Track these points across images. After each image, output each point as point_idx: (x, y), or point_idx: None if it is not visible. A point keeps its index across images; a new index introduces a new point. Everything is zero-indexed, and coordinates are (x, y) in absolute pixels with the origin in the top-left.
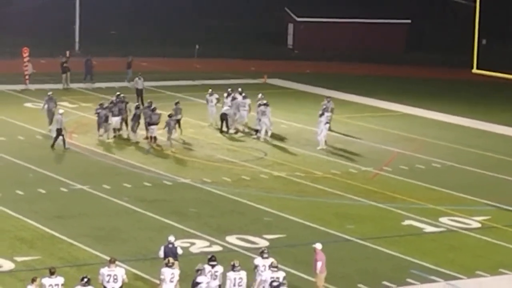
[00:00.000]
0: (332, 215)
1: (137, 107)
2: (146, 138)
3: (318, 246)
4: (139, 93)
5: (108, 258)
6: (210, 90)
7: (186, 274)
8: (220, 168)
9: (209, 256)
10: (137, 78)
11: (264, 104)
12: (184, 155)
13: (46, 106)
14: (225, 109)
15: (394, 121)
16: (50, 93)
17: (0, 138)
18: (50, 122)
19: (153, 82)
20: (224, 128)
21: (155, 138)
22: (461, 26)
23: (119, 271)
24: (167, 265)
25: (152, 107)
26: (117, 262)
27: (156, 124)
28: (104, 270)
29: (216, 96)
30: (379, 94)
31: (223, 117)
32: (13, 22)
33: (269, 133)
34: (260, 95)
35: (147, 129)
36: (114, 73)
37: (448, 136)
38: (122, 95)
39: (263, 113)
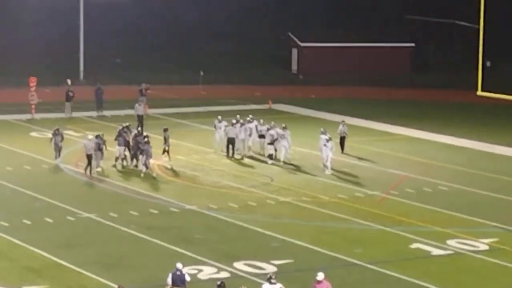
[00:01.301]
0: (339, 239)
1: (136, 135)
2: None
3: (320, 276)
4: (140, 119)
5: (116, 286)
6: (219, 116)
7: None
8: (226, 194)
9: (218, 283)
10: (137, 105)
11: (283, 128)
12: (190, 182)
13: (53, 140)
14: (231, 134)
15: (400, 145)
16: (57, 127)
17: (6, 168)
18: (57, 156)
19: (158, 109)
20: (231, 152)
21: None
22: (466, 48)
23: None
24: None
25: (144, 134)
26: None
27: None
28: None
29: (225, 123)
30: (384, 118)
31: (231, 142)
32: (16, 52)
33: (289, 156)
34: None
35: (137, 158)
36: (120, 101)
37: (454, 158)
38: (127, 124)
39: (282, 136)
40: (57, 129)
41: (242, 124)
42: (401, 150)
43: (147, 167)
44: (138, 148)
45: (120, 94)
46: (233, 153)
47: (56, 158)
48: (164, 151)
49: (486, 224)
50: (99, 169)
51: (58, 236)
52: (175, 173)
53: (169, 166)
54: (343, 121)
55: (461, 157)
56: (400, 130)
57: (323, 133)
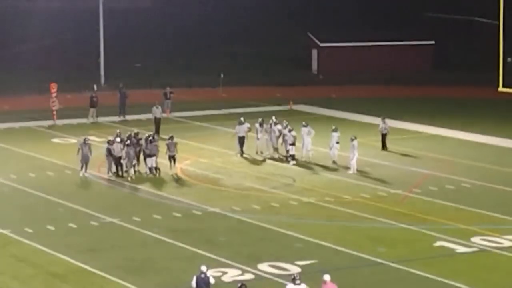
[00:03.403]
0: (363, 239)
1: (151, 139)
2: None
3: (326, 277)
4: (157, 122)
5: None
6: (241, 118)
7: None
8: (249, 196)
9: (238, 285)
10: (154, 107)
11: (306, 126)
12: (213, 184)
13: (81, 151)
14: (241, 133)
15: (422, 143)
16: (85, 137)
17: (29, 174)
18: (84, 167)
19: (179, 113)
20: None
21: (156, 168)
22: (486, 45)
23: None
24: None
25: (150, 138)
26: None
27: (154, 155)
28: None
29: (247, 125)
30: (406, 116)
31: (241, 141)
32: (37, 58)
33: (311, 153)
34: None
35: (145, 161)
36: (141, 105)
37: (477, 155)
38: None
39: (309, 132)
40: (86, 139)
41: (271, 126)
42: (423, 148)
43: (153, 170)
44: (148, 153)
45: (141, 98)
46: (242, 152)
47: (82, 169)
48: (169, 158)
49: (510, 221)
50: (132, 173)
51: (82, 241)
52: (197, 176)
53: (170, 173)
54: (384, 117)
55: (483, 154)
56: (422, 128)
57: (334, 130)
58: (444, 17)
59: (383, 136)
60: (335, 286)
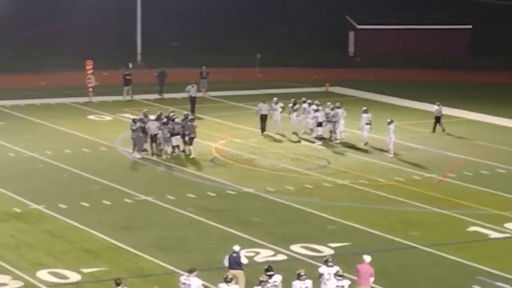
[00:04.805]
0: (396, 222)
1: (186, 118)
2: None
3: (367, 258)
4: (193, 101)
5: (173, 268)
6: (275, 98)
7: (252, 283)
8: (283, 177)
9: (265, 267)
10: (190, 86)
11: (340, 107)
12: (247, 165)
13: (139, 127)
14: (264, 111)
15: (458, 127)
16: (145, 110)
17: (65, 151)
18: (140, 148)
19: (214, 92)
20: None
21: (178, 147)
22: None
23: (194, 282)
24: (225, 280)
25: (186, 117)
26: (195, 273)
27: (178, 134)
28: (182, 278)
29: (281, 104)
30: (442, 100)
31: (263, 118)
32: (74, 35)
33: (343, 135)
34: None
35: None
36: (177, 83)
37: None
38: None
39: (343, 114)
40: (146, 114)
41: (305, 106)
42: (459, 132)
43: (176, 149)
44: (172, 133)
45: (177, 77)
46: (263, 130)
47: (134, 150)
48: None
49: None
50: (168, 151)
51: (116, 219)
52: (232, 156)
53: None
54: (439, 101)
55: None
56: (458, 112)
57: (365, 111)
58: (482, 1)
59: (437, 119)
60: (371, 269)
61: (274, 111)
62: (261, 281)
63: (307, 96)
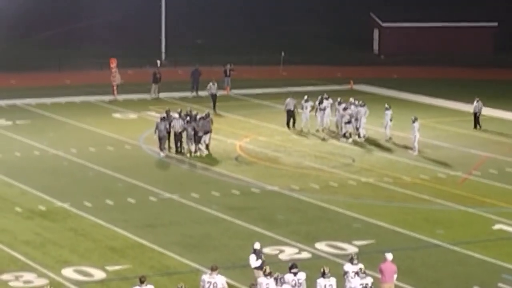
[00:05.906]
0: (421, 220)
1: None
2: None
3: (389, 256)
4: (214, 98)
5: (198, 266)
6: (305, 96)
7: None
8: (308, 175)
9: (289, 264)
10: (211, 84)
11: (363, 105)
12: (271, 163)
13: (164, 125)
14: (290, 106)
15: (483, 125)
16: (167, 109)
17: (89, 149)
18: (163, 145)
19: (239, 90)
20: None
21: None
22: None
23: (219, 279)
24: (264, 274)
25: (204, 115)
26: (218, 270)
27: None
28: (205, 277)
29: (310, 103)
30: (467, 98)
31: (290, 114)
32: (99, 33)
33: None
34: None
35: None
36: (201, 82)
37: None
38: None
39: (365, 113)
40: (167, 112)
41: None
42: (484, 130)
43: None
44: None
45: (203, 75)
46: (293, 124)
47: (165, 147)
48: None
49: None
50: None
51: (140, 217)
52: (256, 154)
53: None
54: (477, 98)
55: None
56: (483, 110)
57: (387, 108)
58: None
59: (476, 116)
60: (394, 267)
61: (304, 109)
62: (275, 278)
63: (331, 94)
